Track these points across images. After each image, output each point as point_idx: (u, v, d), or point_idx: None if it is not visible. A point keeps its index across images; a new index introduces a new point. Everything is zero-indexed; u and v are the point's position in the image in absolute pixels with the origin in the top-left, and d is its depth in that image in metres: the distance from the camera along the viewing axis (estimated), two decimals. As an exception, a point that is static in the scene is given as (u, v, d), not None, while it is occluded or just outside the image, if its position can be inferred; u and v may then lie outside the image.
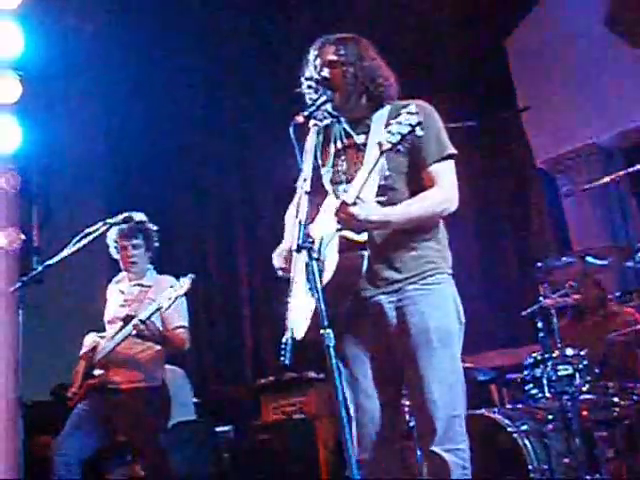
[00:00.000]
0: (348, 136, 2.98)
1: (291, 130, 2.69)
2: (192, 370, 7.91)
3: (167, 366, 5.72)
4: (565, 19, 7.34)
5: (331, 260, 2.69)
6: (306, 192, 2.61)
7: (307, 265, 2.50)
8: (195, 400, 5.93)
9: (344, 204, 2.62)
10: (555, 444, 4.33)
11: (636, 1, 6.96)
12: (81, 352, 4.58)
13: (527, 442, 4.22)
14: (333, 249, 2.70)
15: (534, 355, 4.55)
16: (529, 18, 7.60)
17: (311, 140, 2.86)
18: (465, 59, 7.49)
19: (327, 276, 2.68)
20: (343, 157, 2.96)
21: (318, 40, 3.02)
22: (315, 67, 2.96)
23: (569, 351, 4.40)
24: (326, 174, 3.01)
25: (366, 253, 2.71)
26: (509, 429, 4.23)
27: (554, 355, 4.39)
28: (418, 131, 2.59)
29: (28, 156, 7.33)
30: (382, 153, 2.62)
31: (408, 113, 2.60)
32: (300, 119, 2.74)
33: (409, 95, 2.99)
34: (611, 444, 4.37)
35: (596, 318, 5.19)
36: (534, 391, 4.51)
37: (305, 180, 2.64)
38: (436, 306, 2.81)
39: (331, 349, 2.43)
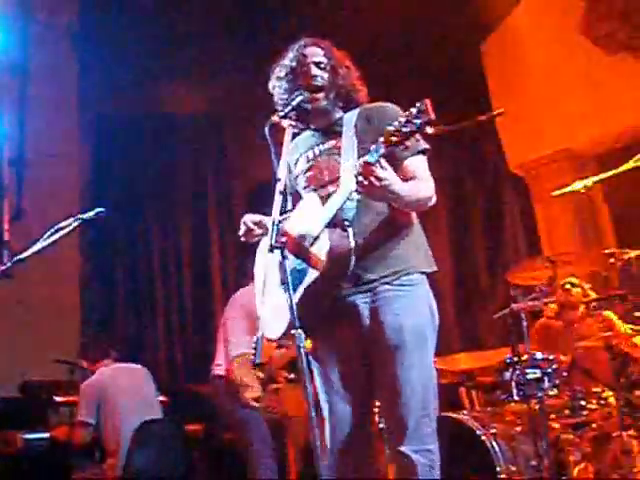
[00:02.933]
0: (320, 142, 3.00)
1: (266, 130, 2.69)
2: (162, 368, 7.90)
3: (130, 365, 5.67)
4: (541, 25, 7.40)
5: (318, 255, 2.67)
6: (280, 192, 2.61)
7: (281, 264, 2.50)
8: (163, 399, 5.88)
9: (368, 164, 2.54)
10: (523, 447, 4.37)
11: (612, 8, 7.04)
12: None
13: (495, 444, 4.26)
14: (321, 245, 2.68)
15: (503, 358, 4.58)
16: (505, 22, 7.65)
17: (286, 140, 2.86)
18: (440, 62, 7.52)
19: (316, 271, 2.67)
20: (317, 162, 2.97)
21: (300, 41, 3.04)
22: (300, 66, 2.97)
23: (538, 355, 4.44)
24: (300, 179, 3.03)
25: (353, 244, 2.69)
26: (477, 431, 4.27)
27: (523, 358, 4.42)
28: (428, 129, 2.54)
29: (-1, 149, 7.28)
30: (389, 145, 2.52)
31: (418, 111, 2.48)
32: (275, 119, 2.75)
33: (375, 99, 3.05)
34: (578, 447, 4.42)
35: (565, 323, 5.24)
36: (503, 394, 4.54)
37: (279, 180, 2.64)
38: (410, 307, 2.80)
39: (302, 349, 2.44)
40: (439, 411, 2.88)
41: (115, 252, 7.97)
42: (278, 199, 2.60)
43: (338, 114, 3.01)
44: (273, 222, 2.52)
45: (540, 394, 4.28)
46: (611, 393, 4.43)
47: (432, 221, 2.99)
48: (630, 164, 4.23)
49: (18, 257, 3.91)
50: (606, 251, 4.78)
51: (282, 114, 2.78)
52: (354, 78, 3.03)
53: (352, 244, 2.68)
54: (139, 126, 8.35)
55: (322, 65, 2.97)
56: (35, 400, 6.02)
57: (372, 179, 2.55)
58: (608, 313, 4.93)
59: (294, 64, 3.00)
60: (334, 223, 2.70)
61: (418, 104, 2.48)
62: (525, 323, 4.53)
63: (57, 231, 3.87)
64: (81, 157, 8.26)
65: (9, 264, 3.96)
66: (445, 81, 7.42)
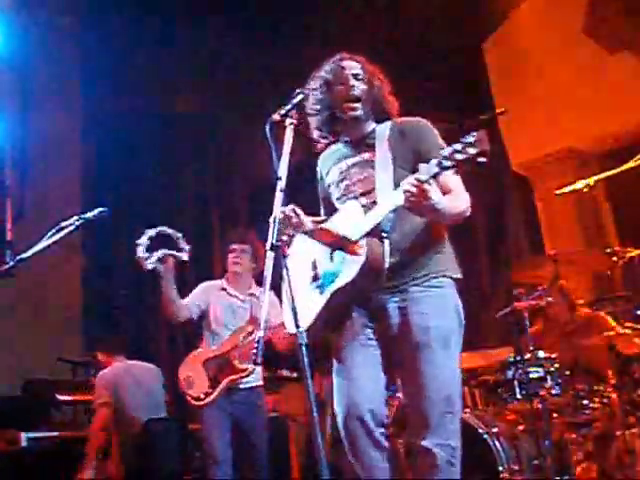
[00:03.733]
0: (353, 154, 3.09)
1: (267, 128, 2.70)
2: (165, 368, 7.90)
3: (143, 363, 5.75)
4: (543, 23, 7.39)
5: (353, 262, 2.79)
6: (281, 190, 2.62)
7: (279, 263, 2.52)
8: (167, 398, 5.89)
9: (420, 182, 2.61)
10: (525, 446, 4.37)
11: (615, 7, 7.03)
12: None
13: (497, 443, 4.25)
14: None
15: (506, 357, 4.58)
16: (508, 21, 7.65)
17: (287, 139, 2.86)
18: (443, 61, 7.51)
19: (347, 277, 2.79)
20: (349, 174, 3.06)
21: (337, 55, 3.16)
22: (338, 77, 3.07)
23: (541, 354, 4.44)
24: (333, 190, 3.13)
25: (388, 259, 2.81)
26: (480, 430, 4.26)
27: (526, 357, 4.42)
28: (480, 159, 2.59)
29: (1, 149, 7.29)
30: (442, 168, 2.60)
31: (467, 144, 2.57)
32: (276, 117, 2.76)
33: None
34: (581, 446, 4.41)
35: (568, 321, 5.22)
36: (505, 393, 4.53)
37: (280, 178, 2.65)
38: (437, 308, 2.88)
39: (303, 348, 2.44)
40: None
41: (117, 251, 7.98)
42: (279, 197, 2.62)
43: (370, 126, 3.10)
44: (274, 220, 2.54)
45: (543, 393, 4.28)
46: (613, 392, 4.42)
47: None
48: (632, 163, 4.22)
49: (21, 256, 3.91)
50: (608, 250, 4.76)
51: (283, 112, 2.79)
52: (387, 91, 3.12)
53: (387, 258, 2.81)
54: (141, 126, 8.35)
55: (359, 77, 3.08)
56: (38, 399, 6.03)
57: (422, 197, 2.63)
58: (602, 314, 4.93)
59: (331, 76, 3.10)
60: (373, 233, 2.81)
61: (475, 134, 2.57)
62: (528, 322, 4.53)
63: (59, 230, 3.87)
64: (83, 157, 8.27)
65: (12, 263, 3.96)
66: (447, 79, 7.41)
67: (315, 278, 2.95)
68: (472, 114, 4.52)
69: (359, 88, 3.06)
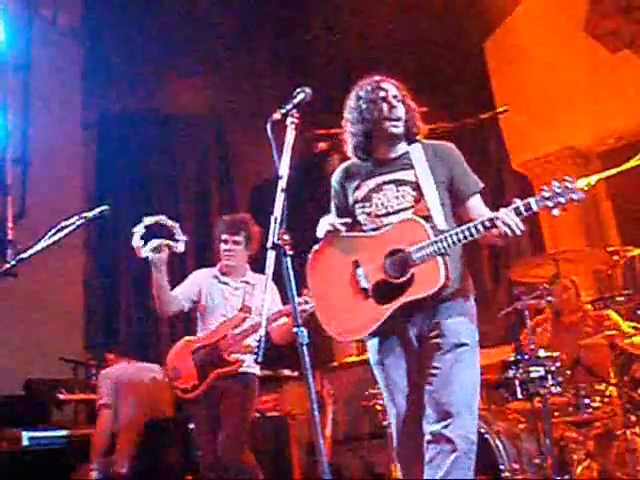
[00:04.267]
0: (385, 171, 3.21)
1: (268, 128, 2.70)
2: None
3: (148, 364, 5.77)
4: (544, 22, 7.39)
5: (428, 277, 2.99)
6: (282, 190, 2.62)
7: (281, 263, 2.53)
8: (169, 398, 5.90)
9: (519, 215, 2.89)
10: (526, 445, 4.37)
11: (615, 7, 7.03)
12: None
13: (499, 442, 4.25)
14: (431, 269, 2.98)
15: (507, 356, 4.58)
16: (508, 20, 7.64)
17: (288, 138, 2.87)
18: (444, 60, 7.51)
19: (420, 292, 2.98)
20: (384, 190, 3.18)
21: (373, 78, 3.28)
22: (380, 98, 3.20)
23: (542, 353, 4.43)
24: (359, 205, 3.23)
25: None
26: (481, 429, 4.26)
27: (527, 356, 4.41)
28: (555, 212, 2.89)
29: (3, 147, 7.29)
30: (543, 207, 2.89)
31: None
32: (277, 116, 2.77)
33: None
34: (582, 445, 4.41)
35: (569, 321, 5.22)
36: (506, 392, 4.53)
37: (281, 178, 2.65)
38: (466, 316, 3.13)
39: (304, 347, 2.45)
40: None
41: (119, 250, 7.97)
42: (280, 197, 2.62)
43: (403, 147, 3.25)
44: (275, 219, 2.55)
45: (544, 392, 4.28)
46: (615, 390, 4.42)
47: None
48: (633, 162, 4.22)
49: (22, 256, 3.92)
50: (609, 249, 4.77)
51: (284, 111, 2.80)
52: (418, 114, 3.28)
53: (443, 275, 3.00)
54: (142, 125, 8.35)
55: (398, 98, 3.23)
56: (38, 398, 6.04)
57: (516, 224, 2.89)
58: (610, 312, 4.93)
59: (372, 96, 3.21)
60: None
61: (579, 181, 2.87)
62: (529, 321, 4.53)
63: (61, 230, 3.87)
64: (85, 156, 8.27)
65: (13, 263, 3.96)
66: (448, 79, 7.41)
67: (359, 283, 3.09)
68: (473, 113, 4.53)
69: (400, 108, 3.21)
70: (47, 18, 7.56)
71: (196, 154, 8.89)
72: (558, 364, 4.38)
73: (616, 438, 4.39)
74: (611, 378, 4.46)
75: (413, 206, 3.11)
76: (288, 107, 2.82)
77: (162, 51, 7.67)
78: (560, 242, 7.11)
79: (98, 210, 4.00)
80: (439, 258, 2.99)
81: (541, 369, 4.35)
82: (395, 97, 3.21)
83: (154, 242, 4.43)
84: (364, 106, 3.21)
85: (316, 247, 3.23)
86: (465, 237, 2.97)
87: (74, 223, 3.94)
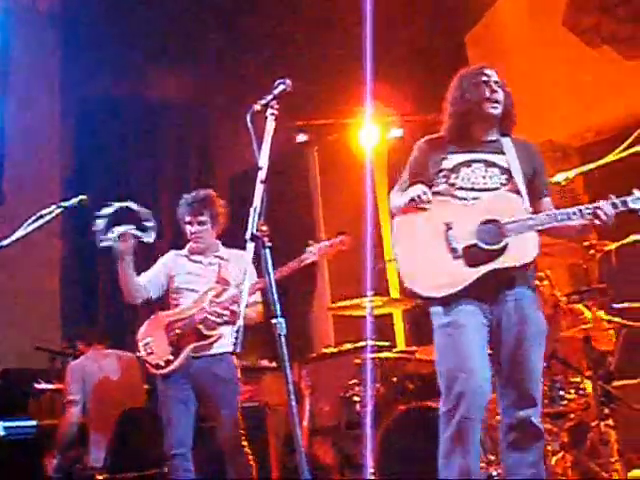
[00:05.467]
0: (476, 150, 3.37)
1: (248, 118, 2.70)
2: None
3: (120, 352, 5.69)
4: (524, 17, 7.41)
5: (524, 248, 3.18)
6: (261, 181, 2.61)
7: (260, 255, 2.52)
8: (147, 387, 5.87)
9: (615, 207, 3.15)
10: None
11: (595, 1, 7.05)
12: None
13: (474, 434, 4.26)
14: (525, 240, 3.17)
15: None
16: (489, 14, 7.65)
17: (268, 128, 2.86)
18: (425, 54, 7.51)
19: (511, 261, 3.16)
20: (472, 167, 3.34)
21: (478, 65, 3.50)
22: (483, 82, 3.38)
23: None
24: (448, 176, 3.34)
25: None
26: (457, 421, 4.27)
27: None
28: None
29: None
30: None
31: None
32: (257, 107, 2.76)
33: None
34: (556, 437, 4.45)
35: (546, 314, 5.25)
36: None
37: (261, 168, 2.64)
38: (539, 309, 3.38)
39: (282, 337, 2.45)
40: (419, 400, 2.96)
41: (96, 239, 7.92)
42: (259, 187, 2.61)
43: (495, 134, 3.44)
44: (254, 210, 2.54)
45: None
46: (589, 383, 4.46)
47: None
48: (611, 157, 4.25)
49: (-1, 244, 3.88)
50: (586, 243, 4.79)
51: (264, 102, 2.79)
52: (513, 104, 3.50)
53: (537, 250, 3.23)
54: (122, 110, 8.30)
55: (499, 84, 3.42)
56: (15, 388, 6.00)
57: (611, 217, 3.14)
58: (580, 307, 4.96)
59: (475, 79, 3.39)
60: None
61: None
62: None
63: (39, 218, 3.84)
64: (63, 142, 8.21)
65: (-11, 251, 3.92)
66: (429, 73, 7.41)
67: (451, 244, 3.20)
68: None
69: (500, 93, 3.39)
70: (26, 4, 7.47)
71: (176, 139, 8.85)
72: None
73: (590, 430, 4.43)
74: (586, 371, 4.50)
75: (498, 188, 3.28)
76: (268, 98, 2.81)
77: (142, 38, 7.61)
78: (538, 236, 7.14)
79: (76, 200, 3.97)
80: (534, 233, 3.17)
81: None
82: (496, 82, 3.39)
83: (118, 229, 4.18)
84: (466, 87, 3.38)
85: (403, 207, 3.32)
86: (562, 219, 3.15)
87: (52, 212, 3.91)
